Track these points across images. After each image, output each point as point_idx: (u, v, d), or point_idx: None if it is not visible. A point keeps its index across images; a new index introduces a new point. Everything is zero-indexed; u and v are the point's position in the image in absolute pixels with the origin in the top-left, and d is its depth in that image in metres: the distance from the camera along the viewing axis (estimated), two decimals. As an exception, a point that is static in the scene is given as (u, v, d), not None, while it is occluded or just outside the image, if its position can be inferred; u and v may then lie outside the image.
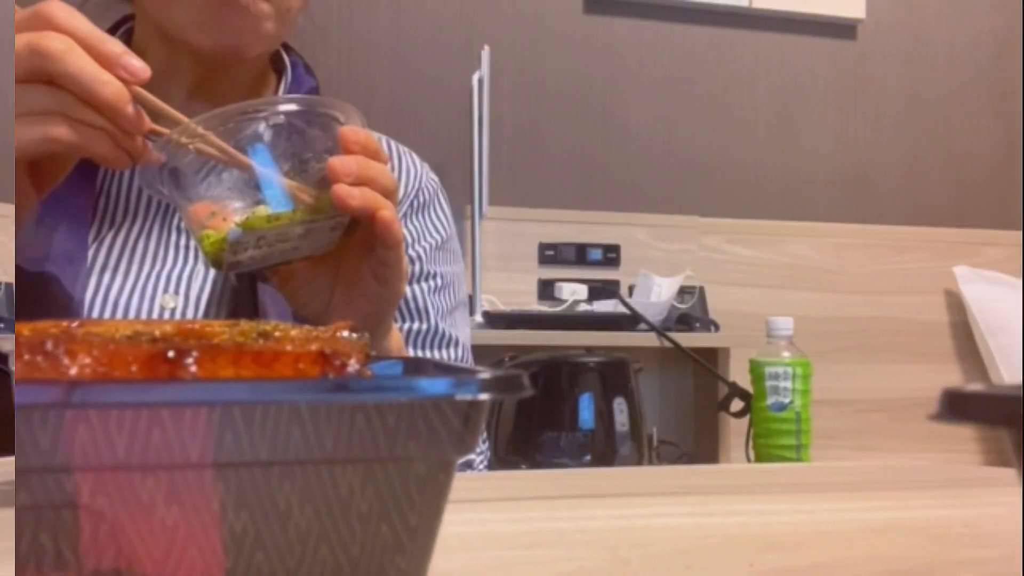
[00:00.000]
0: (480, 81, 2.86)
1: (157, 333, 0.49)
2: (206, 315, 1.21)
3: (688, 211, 3.29)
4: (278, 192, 0.90)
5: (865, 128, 3.54)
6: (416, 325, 1.36)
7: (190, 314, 1.20)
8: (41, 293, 1.12)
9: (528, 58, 3.25)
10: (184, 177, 0.91)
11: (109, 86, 0.85)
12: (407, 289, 1.36)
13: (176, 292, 1.20)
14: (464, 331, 1.43)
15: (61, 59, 0.83)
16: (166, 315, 1.19)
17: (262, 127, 0.91)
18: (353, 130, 0.93)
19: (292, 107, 0.94)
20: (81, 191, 1.20)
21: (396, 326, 1.30)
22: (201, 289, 1.22)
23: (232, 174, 0.91)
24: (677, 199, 3.33)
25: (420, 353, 1.35)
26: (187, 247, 1.25)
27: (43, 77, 0.84)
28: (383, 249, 0.96)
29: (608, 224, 3.17)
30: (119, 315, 1.18)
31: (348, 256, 1.00)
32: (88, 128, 0.87)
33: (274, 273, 1.03)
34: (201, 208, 0.91)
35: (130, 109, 0.87)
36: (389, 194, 0.94)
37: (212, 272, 1.23)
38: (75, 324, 0.49)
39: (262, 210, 0.89)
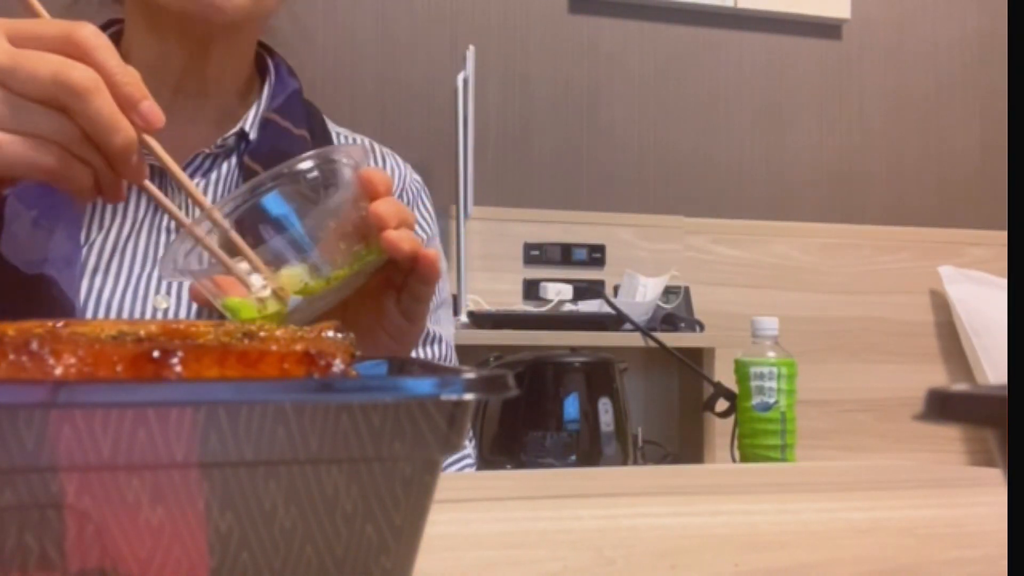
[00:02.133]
0: (465, 81, 2.86)
1: (142, 333, 0.49)
2: (199, 316, 1.20)
3: (673, 211, 3.29)
4: (317, 255, 0.88)
5: (850, 128, 3.55)
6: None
7: (183, 315, 1.20)
8: (42, 296, 1.12)
9: (513, 58, 3.25)
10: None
11: (122, 134, 0.83)
12: None
13: (168, 293, 1.20)
14: (448, 329, 1.43)
15: (86, 98, 0.81)
16: (159, 316, 1.19)
17: (275, 196, 0.89)
18: (373, 171, 0.92)
19: (305, 165, 0.90)
20: (74, 197, 1.20)
21: None
22: None
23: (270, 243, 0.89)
24: (662, 199, 3.33)
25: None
26: None
27: (60, 106, 0.82)
28: (423, 286, 0.96)
29: (593, 224, 3.17)
30: (112, 317, 1.17)
31: (372, 295, 0.99)
32: (78, 164, 0.85)
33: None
34: (232, 281, 0.88)
35: (135, 159, 0.86)
36: (411, 226, 0.94)
37: None
38: (60, 324, 0.49)
39: (298, 271, 0.87)
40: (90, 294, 1.17)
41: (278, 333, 0.49)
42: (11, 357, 0.40)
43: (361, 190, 0.91)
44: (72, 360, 0.41)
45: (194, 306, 1.20)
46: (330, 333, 0.50)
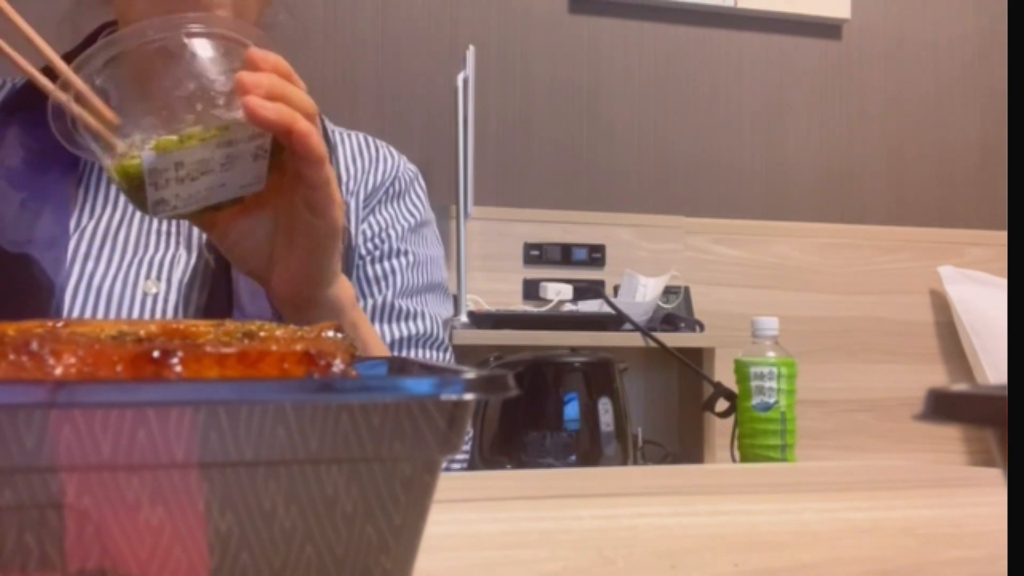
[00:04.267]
0: (465, 81, 2.86)
1: (142, 333, 0.49)
2: (187, 300, 1.21)
3: (673, 211, 3.29)
4: (171, 113, 0.87)
5: (850, 128, 3.55)
6: (375, 300, 1.36)
7: (172, 299, 1.21)
8: (22, 275, 1.13)
9: (513, 58, 3.25)
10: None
11: None
12: (373, 268, 1.37)
13: (158, 278, 1.21)
14: (437, 310, 1.42)
15: None
16: (148, 301, 1.20)
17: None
18: (262, 52, 0.90)
19: (197, 27, 0.90)
20: (64, 179, 1.21)
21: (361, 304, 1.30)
22: (183, 274, 1.23)
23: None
24: (662, 199, 3.33)
25: (379, 327, 1.35)
26: (168, 233, 1.26)
27: None
28: (306, 166, 0.92)
29: (593, 224, 3.17)
30: (102, 302, 1.18)
31: (281, 198, 0.97)
32: None
33: (211, 227, 1.00)
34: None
35: None
36: (309, 116, 0.91)
37: (194, 257, 1.24)
38: (60, 324, 0.49)
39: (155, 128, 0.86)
40: (81, 279, 1.18)
41: (278, 333, 0.49)
42: (11, 357, 0.40)
43: (243, 65, 0.89)
44: (72, 360, 0.41)
45: (184, 291, 1.21)
46: (330, 333, 0.50)
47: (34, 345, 0.41)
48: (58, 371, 0.41)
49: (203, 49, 0.91)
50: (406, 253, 1.39)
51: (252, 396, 0.39)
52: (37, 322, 0.48)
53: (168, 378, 0.42)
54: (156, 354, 0.42)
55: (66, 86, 0.88)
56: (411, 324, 1.37)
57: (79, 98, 0.88)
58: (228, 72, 0.90)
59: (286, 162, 0.94)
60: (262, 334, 0.49)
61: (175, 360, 0.42)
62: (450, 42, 3.18)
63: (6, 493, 0.38)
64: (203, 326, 0.51)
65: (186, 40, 0.91)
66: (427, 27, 3.19)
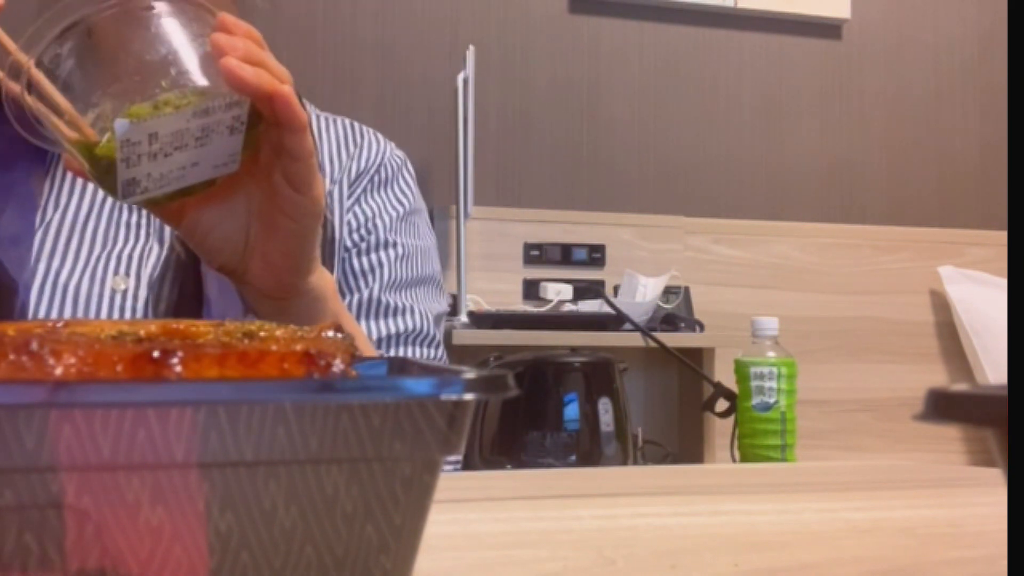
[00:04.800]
0: (465, 81, 2.86)
1: (142, 333, 0.49)
2: (157, 295, 1.17)
3: (673, 211, 3.29)
4: (141, 80, 0.82)
5: (850, 128, 3.55)
6: (360, 295, 1.31)
7: (142, 295, 1.17)
8: None
9: (513, 58, 3.26)
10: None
11: None
12: (360, 261, 1.33)
13: (127, 273, 1.17)
14: (429, 305, 1.37)
15: None
16: (117, 298, 1.16)
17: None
18: (233, 18, 0.86)
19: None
20: (29, 175, 1.18)
21: (345, 301, 1.27)
22: (154, 269, 1.18)
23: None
24: (662, 199, 3.33)
25: (364, 324, 1.30)
26: (138, 224, 1.21)
27: None
28: (289, 135, 0.87)
29: (593, 224, 3.17)
30: (68, 300, 1.14)
31: (255, 181, 0.93)
32: None
33: (179, 218, 0.95)
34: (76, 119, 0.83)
35: None
36: (285, 81, 0.86)
37: (165, 250, 1.19)
38: (60, 324, 0.49)
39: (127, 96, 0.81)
40: (47, 277, 1.14)
41: (278, 333, 0.49)
42: (11, 357, 0.40)
43: (213, 30, 0.85)
44: (72, 360, 0.41)
45: (154, 285, 1.17)
46: (330, 333, 0.50)
47: (34, 345, 0.41)
48: (58, 371, 0.41)
49: (171, 12, 0.86)
50: (395, 245, 1.34)
51: (252, 396, 0.39)
52: (37, 322, 0.48)
53: (168, 378, 0.42)
54: (156, 354, 0.42)
55: (17, 71, 0.83)
56: (399, 320, 1.32)
57: (32, 85, 0.83)
58: (200, 37, 0.85)
59: (261, 137, 0.89)
60: (262, 334, 0.49)
61: (175, 360, 0.42)
62: (450, 42, 3.18)
63: (6, 493, 0.38)
64: (203, 326, 0.51)
65: (153, 2, 0.86)
66: (427, 27, 3.19)
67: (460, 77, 2.86)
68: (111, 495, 0.39)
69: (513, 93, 3.25)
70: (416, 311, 1.34)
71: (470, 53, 2.87)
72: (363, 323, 1.30)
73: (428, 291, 1.39)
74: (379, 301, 1.32)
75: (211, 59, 0.84)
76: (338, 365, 0.44)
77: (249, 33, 0.86)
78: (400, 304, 1.33)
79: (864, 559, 0.64)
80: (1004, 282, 3.29)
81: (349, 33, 3.13)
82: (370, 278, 1.33)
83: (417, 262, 1.37)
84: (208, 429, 0.39)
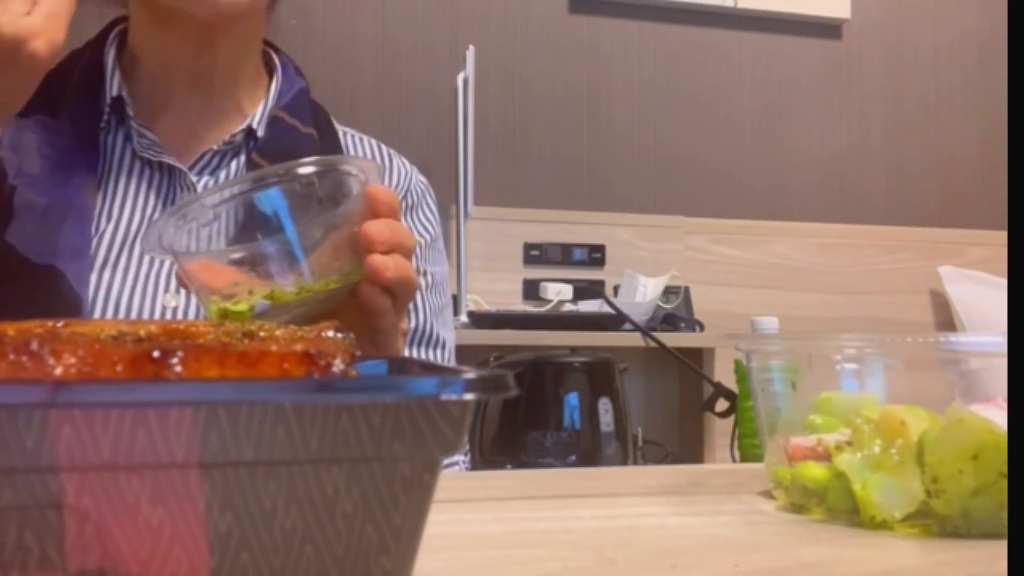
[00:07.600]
0: (465, 81, 2.86)
1: (142, 333, 0.49)
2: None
3: (673, 211, 3.29)
4: (306, 266, 0.84)
5: (850, 128, 3.55)
6: (407, 323, 1.32)
7: (192, 315, 1.18)
8: (50, 289, 1.11)
9: (513, 58, 3.25)
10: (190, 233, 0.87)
11: None
12: None
13: (178, 292, 1.18)
14: (449, 333, 1.41)
15: None
16: (168, 315, 1.18)
17: (276, 193, 0.86)
18: (380, 189, 0.88)
19: (310, 169, 0.88)
20: (83, 186, 1.19)
21: None
22: None
23: (257, 243, 0.85)
24: (662, 199, 3.33)
25: (408, 352, 1.32)
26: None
27: None
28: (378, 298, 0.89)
29: (593, 224, 3.17)
30: (120, 315, 1.16)
31: (345, 315, 0.93)
32: None
33: None
34: (216, 270, 0.84)
35: None
36: (410, 254, 0.90)
37: None
38: (60, 324, 0.49)
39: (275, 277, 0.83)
40: (98, 290, 1.16)
41: (278, 333, 0.49)
42: (11, 357, 0.40)
43: (364, 207, 0.87)
44: (72, 360, 0.41)
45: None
46: (330, 333, 0.50)
47: (34, 345, 0.41)
48: (58, 371, 0.41)
49: (331, 187, 0.89)
50: (424, 274, 1.36)
51: (252, 396, 0.39)
52: (37, 322, 0.48)
53: (168, 378, 0.42)
54: (156, 354, 0.42)
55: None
56: (437, 351, 1.35)
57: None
58: (349, 214, 0.87)
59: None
60: (262, 334, 0.49)
61: (175, 360, 0.42)
62: (450, 42, 3.18)
63: (6, 493, 0.38)
64: (203, 326, 0.51)
65: (314, 178, 0.88)
66: (427, 27, 3.19)
67: (460, 77, 2.86)
68: (111, 495, 0.39)
69: (513, 93, 3.25)
70: (447, 347, 1.38)
71: (470, 53, 2.87)
72: (406, 351, 1.31)
73: (449, 317, 1.42)
74: (422, 331, 1.34)
75: (356, 241, 0.86)
76: (338, 365, 0.44)
77: (392, 206, 0.88)
78: (437, 334, 1.36)
79: (864, 559, 0.64)
80: (1004, 282, 3.29)
81: (350, 33, 3.13)
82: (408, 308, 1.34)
83: (443, 289, 1.39)
84: (208, 429, 0.39)
